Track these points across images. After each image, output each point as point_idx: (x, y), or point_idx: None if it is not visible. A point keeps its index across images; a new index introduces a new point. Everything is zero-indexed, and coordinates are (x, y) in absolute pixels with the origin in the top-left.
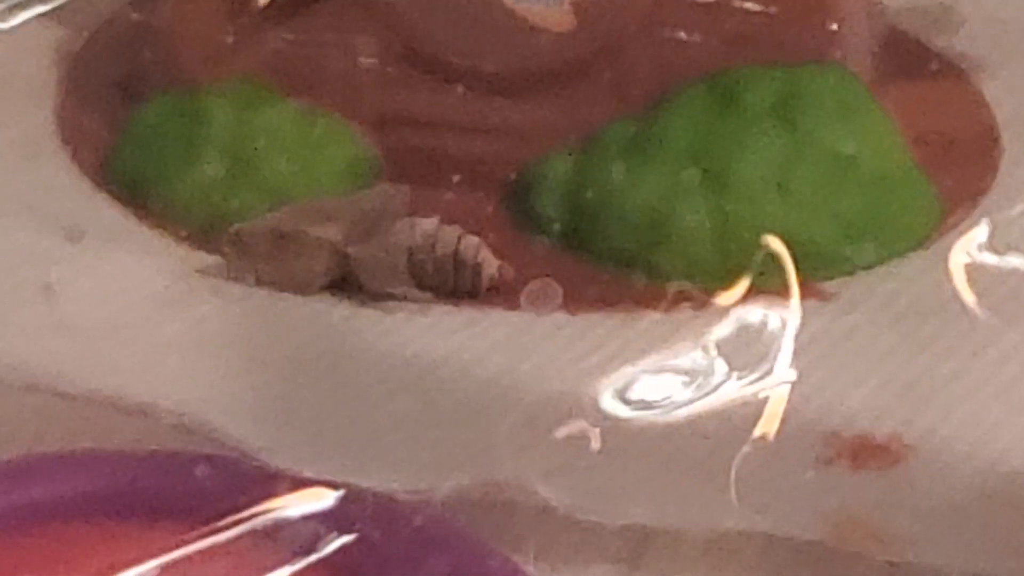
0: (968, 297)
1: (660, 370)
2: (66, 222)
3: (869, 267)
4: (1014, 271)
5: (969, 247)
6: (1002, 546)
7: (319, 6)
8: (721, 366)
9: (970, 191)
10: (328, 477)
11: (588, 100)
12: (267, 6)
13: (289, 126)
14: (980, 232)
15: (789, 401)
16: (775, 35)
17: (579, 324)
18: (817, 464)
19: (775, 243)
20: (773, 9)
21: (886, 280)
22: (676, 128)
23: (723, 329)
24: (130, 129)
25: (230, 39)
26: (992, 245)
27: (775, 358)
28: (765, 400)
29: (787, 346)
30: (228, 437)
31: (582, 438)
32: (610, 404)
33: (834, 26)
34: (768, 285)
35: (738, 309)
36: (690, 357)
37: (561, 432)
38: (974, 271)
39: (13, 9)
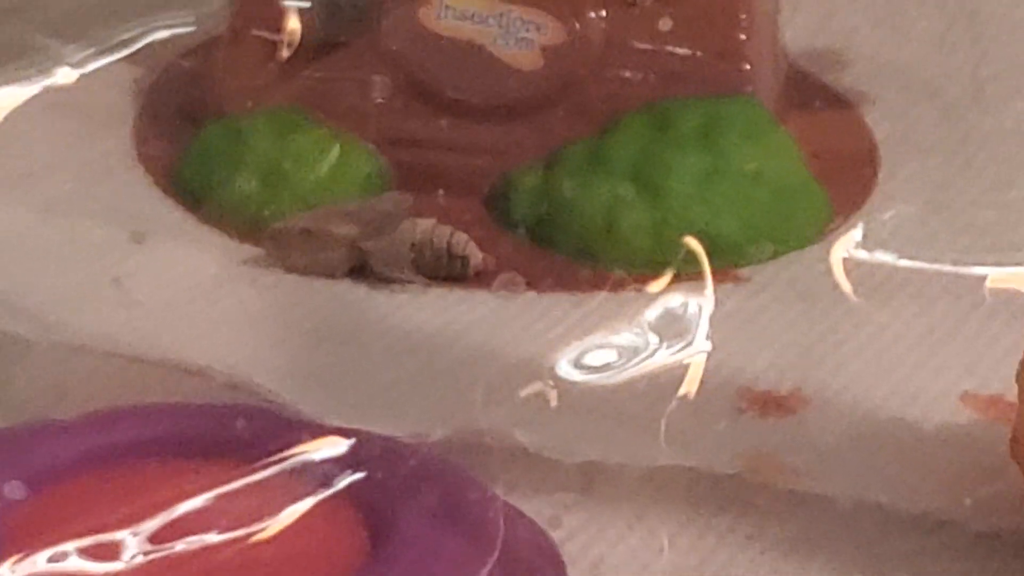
0: (845, 285)
1: (605, 343)
2: (138, 222)
3: (775, 257)
4: (881, 265)
5: (848, 245)
6: (880, 477)
7: (339, 51)
8: (653, 338)
9: (854, 198)
10: (344, 425)
11: (551, 125)
12: (296, 51)
13: (315, 146)
14: (856, 233)
15: (711, 363)
16: (700, 74)
17: (544, 303)
18: (733, 413)
19: (695, 241)
20: (699, 53)
21: (787, 268)
22: (620, 148)
23: (655, 309)
24: (190, 149)
25: (268, 77)
26: (865, 244)
27: (696, 331)
28: (688, 365)
29: (705, 321)
30: (266, 392)
31: (544, 395)
32: (566, 370)
33: (747, 66)
34: (692, 272)
35: (667, 292)
36: (629, 332)
37: (527, 391)
38: (850, 264)
39: (101, 53)
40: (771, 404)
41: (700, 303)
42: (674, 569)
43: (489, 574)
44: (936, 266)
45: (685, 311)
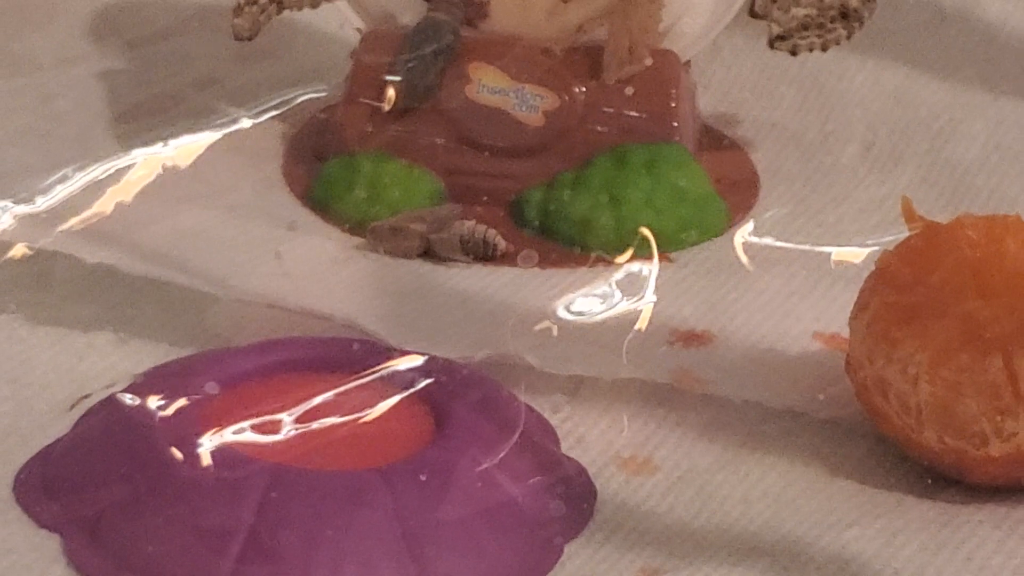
0: (744, 258)
1: (589, 295)
2: (287, 221)
3: (693, 245)
4: (764, 245)
5: (744, 233)
6: (761, 385)
7: (415, 114)
8: (618, 293)
9: (743, 208)
10: (419, 350)
11: (550, 161)
12: (388, 114)
13: (400, 173)
14: (749, 226)
15: (653, 313)
16: (646, 128)
17: (547, 274)
18: (667, 344)
19: (645, 232)
20: (645, 115)
21: (702, 252)
22: (595, 175)
23: (619, 274)
24: (320, 176)
25: (370, 129)
26: (755, 232)
27: (645, 289)
28: (640, 311)
29: (651, 285)
30: (370, 331)
31: (549, 329)
32: (562, 313)
33: (676, 124)
34: (643, 254)
35: (627, 265)
36: (603, 289)
37: (538, 327)
38: (746, 245)
39: (260, 113)
40: (691, 338)
41: (648, 272)
42: (630, 443)
43: (503, 439)
44: (800, 246)
45: (639, 276)
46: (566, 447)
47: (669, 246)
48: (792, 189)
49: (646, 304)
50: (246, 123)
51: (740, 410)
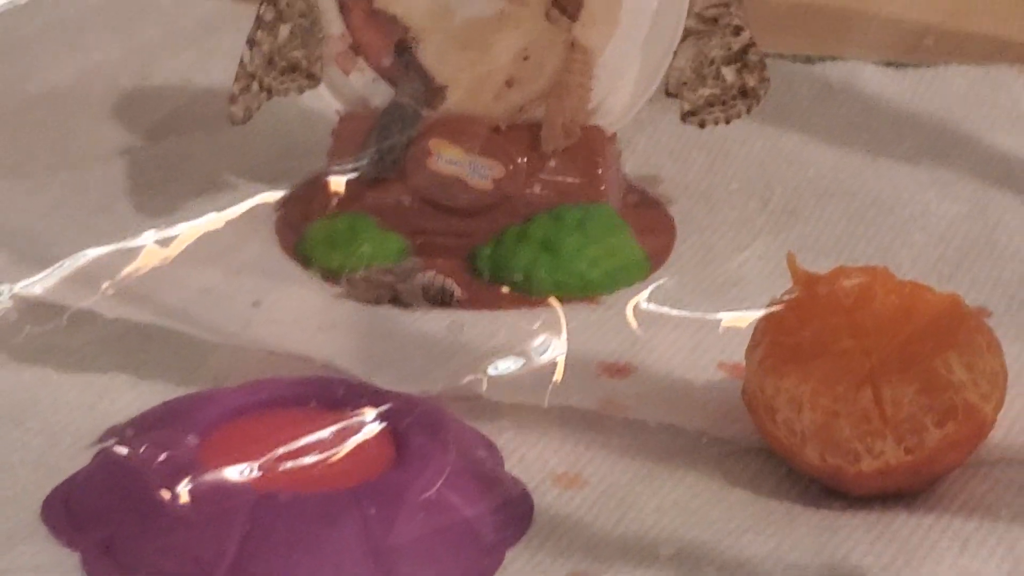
0: (634, 324)
1: (520, 352)
2: (272, 278)
3: (619, 289)
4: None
5: (638, 299)
6: (673, 408)
7: (384, 182)
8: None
9: (661, 254)
10: (385, 385)
11: (498, 220)
12: (361, 182)
13: (372, 232)
14: (644, 294)
15: (583, 348)
16: (578, 192)
17: (496, 316)
18: (594, 376)
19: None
20: (577, 180)
21: (626, 295)
22: (536, 231)
23: (542, 325)
24: (305, 234)
25: (347, 195)
26: (651, 298)
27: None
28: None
29: (563, 344)
30: (342, 369)
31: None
32: (492, 370)
33: (603, 187)
34: (575, 297)
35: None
36: (538, 343)
37: (481, 375)
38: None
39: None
40: (615, 370)
41: (559, 337)
42: (563, 461)
43: (455, 462)
44: (691, 313)
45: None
46: (509, 465)
47: (598, 291)
48: (703, 238)
49: (560, 356)
50: (270, 196)
51: (656, 432)
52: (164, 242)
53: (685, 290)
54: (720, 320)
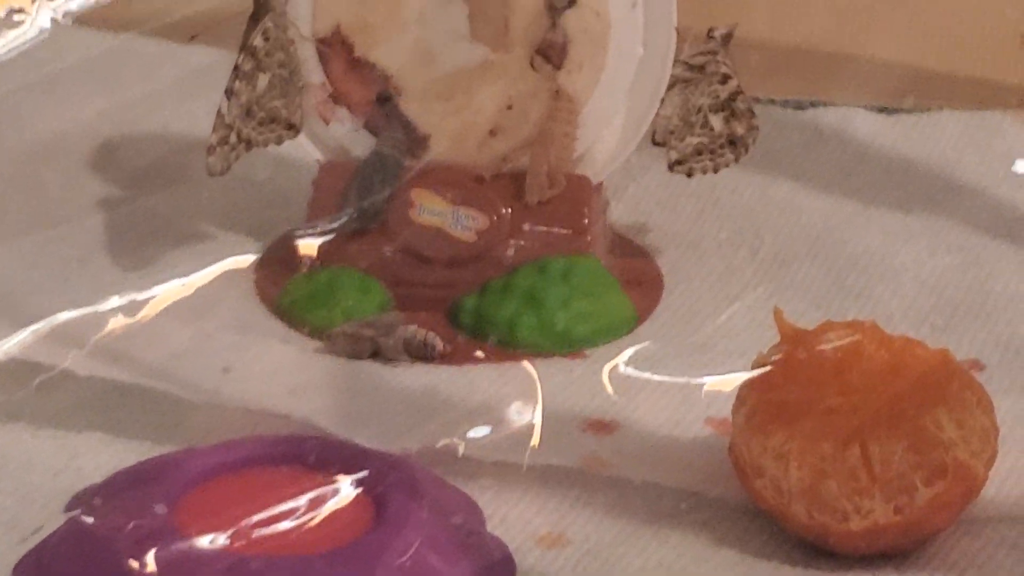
0: (610, 389)
1: (500, 414)
2: (252, 334)
3: (605, 342)
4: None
5: (617, 361)
6: (657, 467)
7: (366, 233)
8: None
9: (650, 308)
10: (365, 442)
11: (482, 271)
12: (342, 234)
13: (353, 285)
14: (623, 356)
15: (567, 403)
16: (563, 243)
17: (480, 370)
18: (579, 432)
19: (563, 333)
20: (562, 231)
21: (612, 348)
22: (520, 283)
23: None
24: (286, 288)
25: (328, 246)
26: (630, 362)
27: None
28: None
29: (539, 411)
30: (322, 427)
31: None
32: (479, 431)
33: (589, 238)
34: (561, 351)
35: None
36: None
37: (460, 438)
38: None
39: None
40: (600, 427)
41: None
42: (546, 520)
43: (434, 523)
44: (672, 378)
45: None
46: (491, 526)
47: (583, 344)
48: (691, 289)
49: (536, 420)
50: (194, 277)
51: (641, 490)
52: (141, 302)
53: (671, 345)
54: (703, 384)
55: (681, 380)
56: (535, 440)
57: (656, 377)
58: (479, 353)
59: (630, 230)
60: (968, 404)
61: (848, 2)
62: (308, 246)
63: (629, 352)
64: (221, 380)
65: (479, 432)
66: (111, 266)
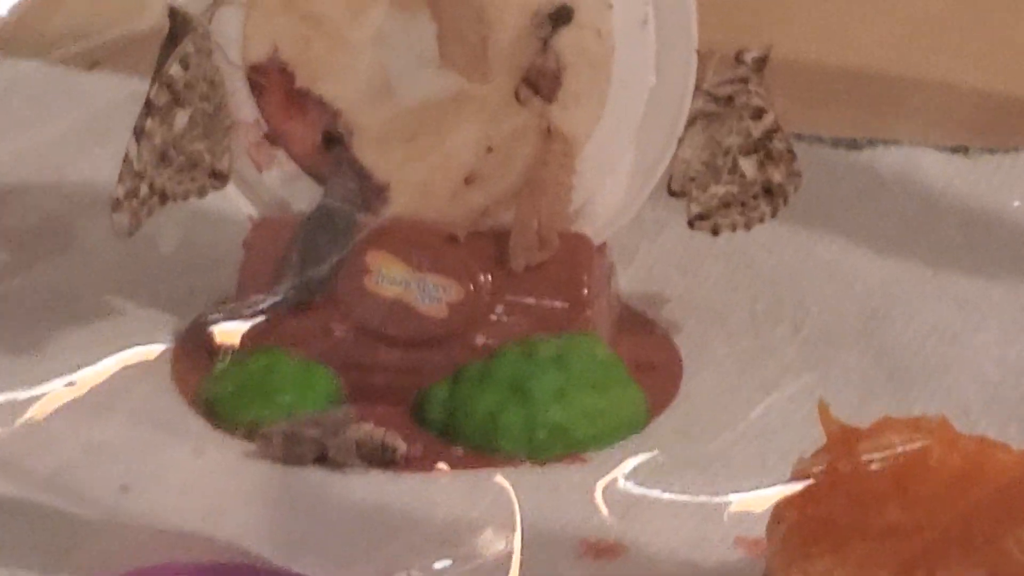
0: (604, 510)
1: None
2: (168, 431)
3: (608, 443)
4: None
5: (619, 471)
6: None
7: (310, 308)
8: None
9: (664, 397)
10: (307, 571)
11: (455, 354)
12: (280, 306)
13: (294, 372)
14: (623, 467)
15: (562, 520)
16: (556, 318)
17: (451, 480)
18: (575, 557)
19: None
20: (555, 303)
21: (618, 450)
22: (502, 369)
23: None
24: (210, 376)
25: (262, 324)
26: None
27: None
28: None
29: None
30: (253, 553)
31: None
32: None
33: (588, 312)
34: (553, 455)
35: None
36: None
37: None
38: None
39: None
40: (602, 550)
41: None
42: None
43: None
44: (683, 497)
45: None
46: None
47: (582, 447)
48: (716, 376)
49: (515, 549)
50: (96, 368)
51: None
52: (26, 400)
53: (690, 449)
54: (729, 503)
55: (701, 498)
56: (514, 571)
57: (668, 495)
58: (448, 459)
59: (641, 301)
60: None
61: (914, 16)
62: (237, 325)
63: (633, 462)
64: (129, 490)
65: (445, 562)
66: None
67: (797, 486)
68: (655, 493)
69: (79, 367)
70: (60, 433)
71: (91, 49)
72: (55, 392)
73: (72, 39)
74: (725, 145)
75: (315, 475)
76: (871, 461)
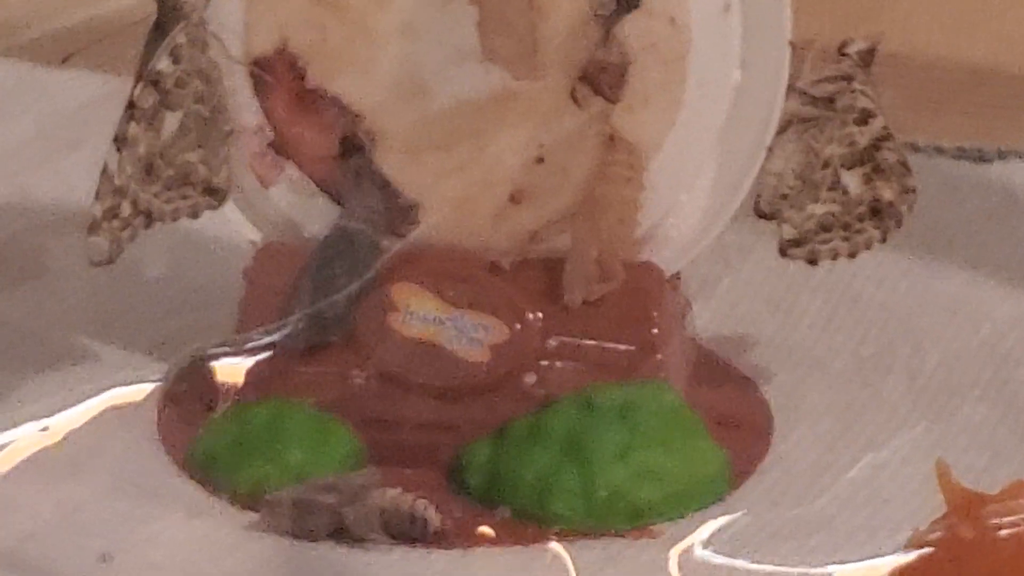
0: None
1: None
2: (153, 497)
3: (684, 514)
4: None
5: (695, 536)
6: None
7: (324, 350)
8: None
9: (753, 461)
10: None
11: (497, 406)
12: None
13: (305, 428)
14: (699, 533)
15: None
16: (620, 364)
17: (487, 557)
18: None
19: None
20: (619, 346)
21: (695, 521)
22: (556, 425)
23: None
24: (203, 432)
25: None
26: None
27: None
28: None
29: None
30: None
31: None
32: None
33: (659, 357)
34: (618, 527)
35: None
36: None
37: None
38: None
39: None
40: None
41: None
42: None
43: None
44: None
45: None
46: None
47: (651, 518)
48: (813, 431)
49: None
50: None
51: None
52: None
53: (781, 514)
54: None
55: (798, 570)
56: None
57: (755, 567)
58: (489, 530)
59: (724, 345)
60: None
61: None
62: (236, 369)
63: (713, 526)
64: (100, 570)
65: None
66: None
67: (912, 556)
68: (741, 563)
69: (44, 415)
70: (23, 498)
71: (59, 37)
72: (15, 444)
73: (36, 24)
74: (824, 156)
75: (330, 552)
76: (999, 527)
